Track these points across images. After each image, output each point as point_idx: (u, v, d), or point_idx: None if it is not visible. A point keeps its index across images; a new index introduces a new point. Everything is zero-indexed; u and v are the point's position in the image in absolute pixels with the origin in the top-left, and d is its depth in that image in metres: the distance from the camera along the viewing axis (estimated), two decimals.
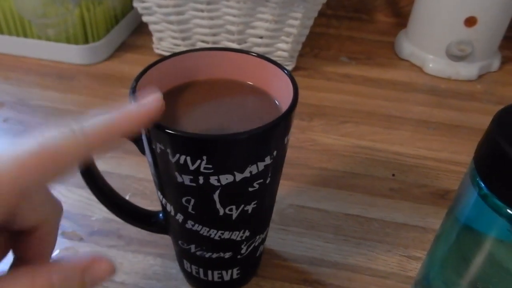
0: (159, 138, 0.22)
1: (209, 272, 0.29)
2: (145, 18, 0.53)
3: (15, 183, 0.16)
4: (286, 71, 0.25)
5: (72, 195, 0.38)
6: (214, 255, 0.27)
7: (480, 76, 0.56)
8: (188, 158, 0.21)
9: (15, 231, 0.20)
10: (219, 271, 0.29)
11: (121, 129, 0.19)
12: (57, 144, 0.17)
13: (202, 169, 0.22)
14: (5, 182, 0.16)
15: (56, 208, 0.21)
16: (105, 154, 0.19)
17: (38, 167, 0.16)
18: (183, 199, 0.24)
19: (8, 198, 0.16)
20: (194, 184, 0.23)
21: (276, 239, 0.35)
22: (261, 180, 0.24)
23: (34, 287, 0.17)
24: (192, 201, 0.24)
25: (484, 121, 0.48)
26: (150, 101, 0.20)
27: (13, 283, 0.17)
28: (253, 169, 0.22)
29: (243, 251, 0.28)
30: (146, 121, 0.20)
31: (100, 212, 0.36)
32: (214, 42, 0.53)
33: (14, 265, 0.21)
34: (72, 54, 0.54)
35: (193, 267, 0.29)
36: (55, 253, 0.26)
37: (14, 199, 0.17)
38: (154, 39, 0.55)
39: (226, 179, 0.22)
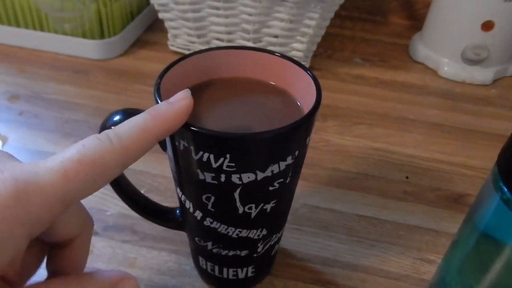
0: (183, 135, 0.22)
1: (224, 270, 0.29)
2: (161, 15, 0.53)
3: (60, 191, 0.17)
4: (309, 72, 0.25)
5: None
6: (231, 253, 0.28)
7: (495, 81, 0.56)
8: (212, 156, 0.21)
9: (50, 244, 0.21)
10: (234, 269, 0.29)
11: (156, 133, 0.19)
12: (96, 152, 0.17)
13: (224, 167, 0.22)
14: (50, 191, 0.17)
15: (89, 222, 0.22)
16: (140, 157, 0.19)
17: (80, 175, 0.17)
18: (203, 197, 0.24)
19: (54, 206, 0.17)
20: (215, 182, 0.23)
21: (290, 238, 0.35)
22: (282, 180, 0.24)
23: None
24: (212, 198, 0.24)
25: (498, 126, 0.48)
26: (181, 99, 0.20)
27: None
28: (274, 168, 0.23)
29: (259, 250, 0.28)
30: (179, 121, 0.20)
31: (115, 207, 0.37)
32: (229, 41, 0.53)
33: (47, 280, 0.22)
34: (87, 49, 0.54)
35: (209, 264, 0.29)
36: None
37: (59, 207, 0.17)
38: (169, 36, 0.56)
39: (247, 177, 0.22)
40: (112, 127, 0.19)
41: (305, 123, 0.22)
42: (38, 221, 0.17)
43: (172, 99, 0.20)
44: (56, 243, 0.21)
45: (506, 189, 0.21)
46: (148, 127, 0.19)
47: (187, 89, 0.21)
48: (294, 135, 0.22)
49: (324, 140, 0.45)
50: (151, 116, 0.19)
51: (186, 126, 0.21)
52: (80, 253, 0.22)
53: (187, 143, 0.22)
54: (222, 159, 0.21)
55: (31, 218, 0.16)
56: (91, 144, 0.18)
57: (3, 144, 0.43)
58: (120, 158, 0.18)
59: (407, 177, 0.41)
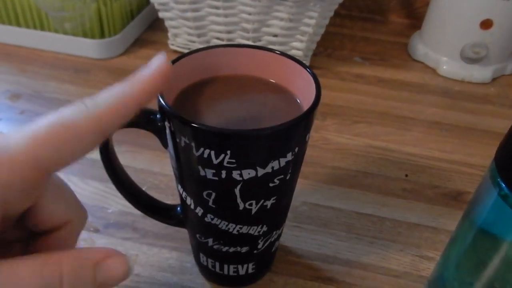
0: (184, 132, 0.22)
1: (225, 266, 0.30)
2: (161, 14, 0.54)
3: (30, 155, 0.16)
4: (309, 70, 0.25)
5: (89, 188, 0.38)
6: (231, 249, 0.28)
7: (494, 79, 0.56)
8: (212, 152, 0.22)
9: (34, 234, 0.20)
10: (235, 266, 0.29)
11: (134, 97, 0.18)
12: (67, 115, 0.17)
13: (225, 164, 0.22)
14: (19, 154, 0.16)
15: (81, 213, 0.21)
16: (121, 126, 0.19)
17: (52, 139, 0.17)
18: (204, 193, 0.24)
19: (24, 170, 0.16)
20: (216, 178, 0.23)
21: (290, 236, 0.35)
22: (282, 176, 0.24)
23: (42, 276, 0.17)
24: (213, 195, 0.24)
25: (497, 124, 0.49)
26: (157, 62, 0.19)
27: (21, 268, 0.16)
28: (275, 164, 0.23)
29: (259, 246, 0.28)
30: (156, 84, 0.19)
31: (116, 204, 0.37)
32: (229, 40, 0.53)
33: None
34: (88, 48, 0.54)
35: (209, 260, 0.30)
36: None
37: (31, 172, 0.17)
38: (169, 35, 0.56)
39: (248, 174, 0.23)
40: None
41: (305, 120, 0.22)
42: (8, 185, 0.16)
43: (149, 63, 0.20)
44: (42, 230, 0.20)
45: (503, 185, 0.21)
46: (125, 91, 0.18)
47: (163, 52, 0.20)
48: (294, 131, 0.22)
49: (323, 138, 0.45)
50: (130, 82, 0.19)
51: (187, 122, 0.21)
52: (67, 243, 0.20)
53: (188, 140, 0.22)
54: (222, 155, 0.22)
55: (1, 182, 0.16)
56: (64, 109, 0.17)
57: None
58: (95, 121, 0.17)
59: (406, 175, 0.41)
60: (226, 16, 0.51)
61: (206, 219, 0.26)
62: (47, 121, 0.17)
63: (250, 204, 0.25)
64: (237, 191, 0.24)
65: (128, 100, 0.18)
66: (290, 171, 0.24)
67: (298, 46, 0.52)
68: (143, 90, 0.19)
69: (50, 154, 0.17)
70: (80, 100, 0.18)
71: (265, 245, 0.29)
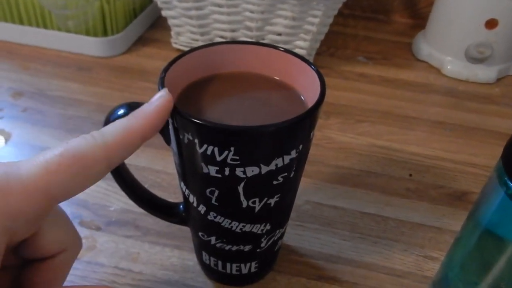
0: (187, 128, 0.22)
1: (228, 265, 0.29)
2: (164, 13, 0.53)
3: (42, 183, 0.17)
4: (313, 67, 0.25)
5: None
6: (234, 248, 0.28)
7: (498, 79, 0.55)
8: (216, 149, 0.22)
9: (28, 261, 0.20)
10: (238, 264, 0.29)
11: (139, 131, 0.20)
12: (77, 147, 0.18)
13: (229, 160, 0.22)
14: (32, 183, 0.17)
15: (76, 241, 0.21)
16: (127, 156, 0.20)
17: (61, 167, 0.17)
18: (207, 190, 0.24)
19: (36, 199, 0.17)
20: (219, 175, 0.23)
21: (293, 235, 0.35)
22: (286, 174, 0.24)
23: None
24: (216, 192, 0.24)
25: (502, 124, 0.48)
26: (157, 99, 0.21)
27: None
28: (278, 162, 0.23)
29: (262, 245, 0.28)
30: (159, 119, 0.21)
31: (118, 202, 0.37)
32: (232, 38, 0.53)
33: None
34: (91, 46, 0.54)
35: (212, 259, 0.29)
36: None
37: (42, 201, 0.17)
38: (172, 33, 0.56)
39: (252, 171, 0.22)
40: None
41: (309, 117, 0.22)
42: (19, 214, 0.17)
43: (151, 99, 0.21)
44: (37, 258, 0.20)
45: (511, 184, 0.21)
46: (130, 126, 0.20)
47: (165, 88, 0.22)
48: (298, 128, 0.22)
49: (327, 137, 0.45)
50: (134, 116, 0.20)
51: (191, 119, 0.21)
52: (60, 272, 0.21)
53: (192, 136, 0.22)
54: (226, 152, 0.21)
55: (11, 209, 0.16)
56: (74, 140, 0.18)
57: (7, 140, 0.43)
58: (102, 153, 0.18)
59: (410, 175, 0.41)
60: (229, 14, 0.50)
61: (209, 217, 0.26)
62: (58, 151, 0.18)
63: (254, 202, 0.24)
64: (240, 188, 0.23)
65: (132, 133, 0.20)
66: (294, 168, 0.24)
67: (302, 45, 0.52)
68: (146, 124, 0.20)
69: (60, 183, 0.17)
70: (89, 133, 0.19)
71: (268, 243, 0.28)
